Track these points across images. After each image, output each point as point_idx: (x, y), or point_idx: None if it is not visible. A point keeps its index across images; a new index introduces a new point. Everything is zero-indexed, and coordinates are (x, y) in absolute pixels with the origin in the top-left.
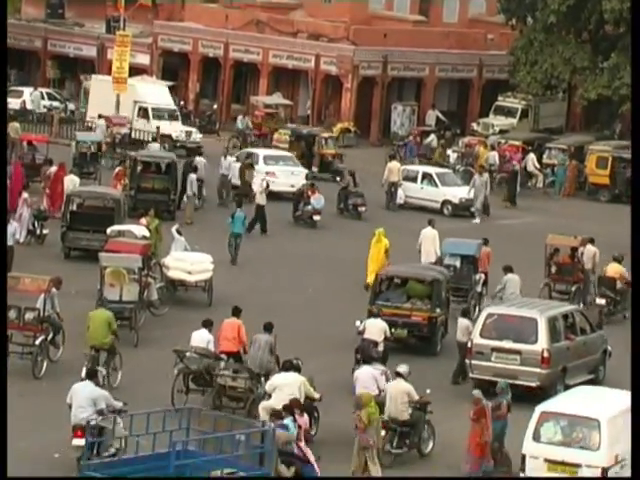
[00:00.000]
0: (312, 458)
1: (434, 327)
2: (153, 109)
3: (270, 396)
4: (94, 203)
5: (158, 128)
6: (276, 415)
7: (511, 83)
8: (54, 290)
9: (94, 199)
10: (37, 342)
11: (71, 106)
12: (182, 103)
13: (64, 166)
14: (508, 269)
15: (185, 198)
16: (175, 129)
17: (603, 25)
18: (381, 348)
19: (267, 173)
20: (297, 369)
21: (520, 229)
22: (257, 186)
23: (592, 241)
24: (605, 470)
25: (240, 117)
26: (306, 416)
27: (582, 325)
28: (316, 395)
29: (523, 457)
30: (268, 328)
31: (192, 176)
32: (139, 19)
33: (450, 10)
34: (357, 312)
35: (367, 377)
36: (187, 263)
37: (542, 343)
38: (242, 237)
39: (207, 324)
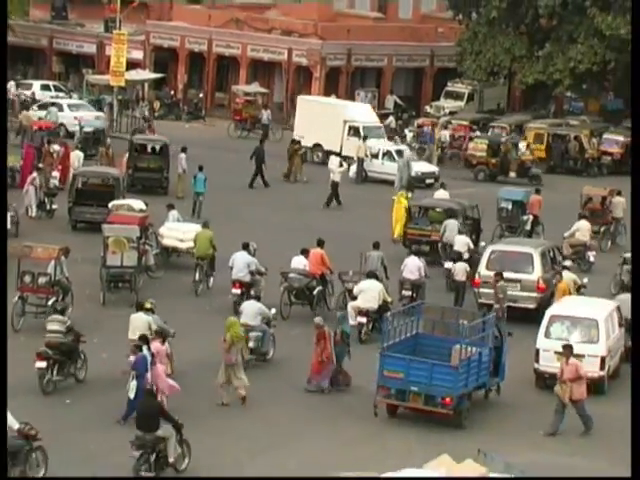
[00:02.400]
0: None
1: None
2: (364, 127)
3: (356, 298)
4: (97, 181)
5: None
6: (136, 346)
7: (459, 71)
8: (63, 258)
9: (97, 178)
10: (49, 303)
11: (75, 96)
12: (172, 92)
13: (68, 145)
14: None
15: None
16: (384, 147)
17: (538, 19)
18: (466, 256)
19: (75, 118)
20: (377, 277)
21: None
22: (334, 166)
23: (619, 193)
24: (603, 359)
25: (266, 112)
26: (167, 345)
27: (558, 258)
28: (389, 299)
29: (537, 351)
30: (376, 246)
31: (182, 155)
32: (133, 19)
33: (405, 8)
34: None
35: (414, 265)
36: (179, 232)
37: (537, 273)
38: (204, 195)
39: (304, 252)
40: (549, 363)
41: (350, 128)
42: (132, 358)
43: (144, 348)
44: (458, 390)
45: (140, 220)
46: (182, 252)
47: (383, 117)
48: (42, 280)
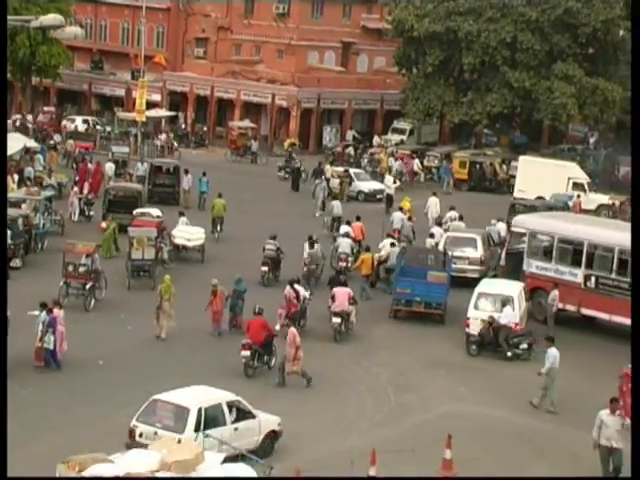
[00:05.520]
0: None
1: None
2: (587, 183)
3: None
4: (124, 194)
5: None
6: (49, 310)
7: (402, 112)
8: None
9: (124, 191)
10: (87, 287)
11: (108, 128)
12: (183, 127)
13: (100, 164)
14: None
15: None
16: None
17: (463, 73)
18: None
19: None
20: (393, 237)
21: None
22: (390, 182)
23: None
24: (517, 324)
25: (255, 142)
26: (62, 312)
27: (489, 242)
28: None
29: (467, 319)
30: (410, 219)
31: (189, 176)
32: (153, 70)
33: (362, 63)
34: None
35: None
36: (187, 233)
37: (480, 252)
38: (207, 193)
39: (348, 222)
40: (476, 328)
41: (575, 184)
42: (46, 318)
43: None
44: (445, 298)
45: (157, 224)
46: (189, 249)
47: (345, 147)
48: (82, 269)
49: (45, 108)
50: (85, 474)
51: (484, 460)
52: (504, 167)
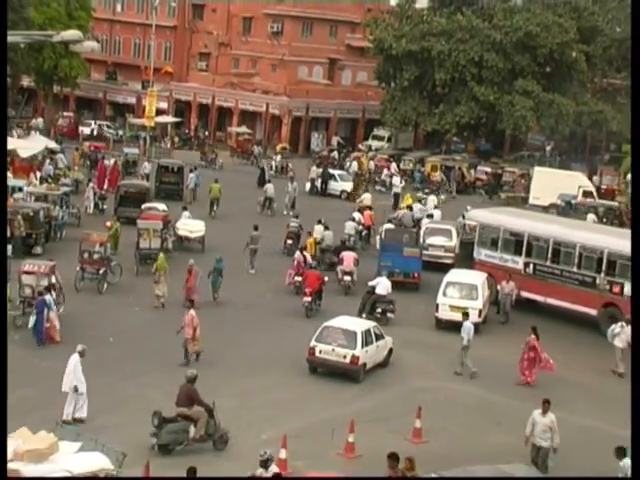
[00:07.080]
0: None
1: None
2: (596, 190)
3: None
4: (134, 190)
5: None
6: (39, 293)
7: (382, 121)
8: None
9: (134, 188)
10: (100, 272)
11: (120, 132)
12: (187, 131)
13: (117, 162)
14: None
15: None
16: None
17: (435, 87)
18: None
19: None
20: (396, 224)
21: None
22: (397, 182)
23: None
24: (481, 310)
25: (257, 147)
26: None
27: (462, 232)
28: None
29: (437, 304)
30: (410, 208)
31: (192, 175)
32: (161, 81)
33: (346, 77)
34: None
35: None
36: (190, 226)
37: (454, 241)
38: (198, 186)
39: (359, 210)
40: (445, 313)
41: (585, 192)
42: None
43: (47, 295)
44: (420, 270)
45: (163, 217)
46: (191, 240)
47: (330, 151)
48: (96, 256)
49: (64, 114)
50: None
51: (450, 429)
52: (471, 171)
